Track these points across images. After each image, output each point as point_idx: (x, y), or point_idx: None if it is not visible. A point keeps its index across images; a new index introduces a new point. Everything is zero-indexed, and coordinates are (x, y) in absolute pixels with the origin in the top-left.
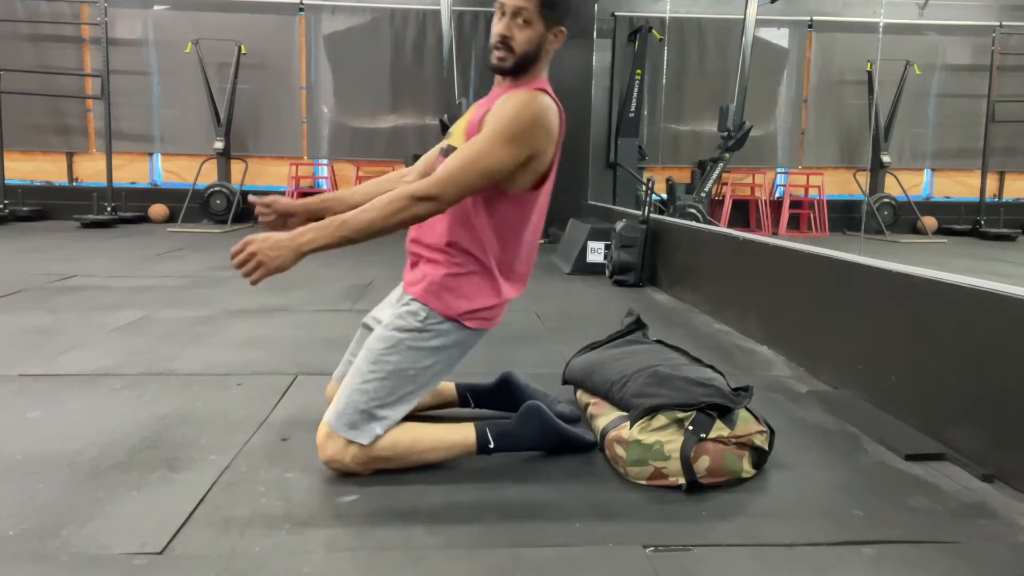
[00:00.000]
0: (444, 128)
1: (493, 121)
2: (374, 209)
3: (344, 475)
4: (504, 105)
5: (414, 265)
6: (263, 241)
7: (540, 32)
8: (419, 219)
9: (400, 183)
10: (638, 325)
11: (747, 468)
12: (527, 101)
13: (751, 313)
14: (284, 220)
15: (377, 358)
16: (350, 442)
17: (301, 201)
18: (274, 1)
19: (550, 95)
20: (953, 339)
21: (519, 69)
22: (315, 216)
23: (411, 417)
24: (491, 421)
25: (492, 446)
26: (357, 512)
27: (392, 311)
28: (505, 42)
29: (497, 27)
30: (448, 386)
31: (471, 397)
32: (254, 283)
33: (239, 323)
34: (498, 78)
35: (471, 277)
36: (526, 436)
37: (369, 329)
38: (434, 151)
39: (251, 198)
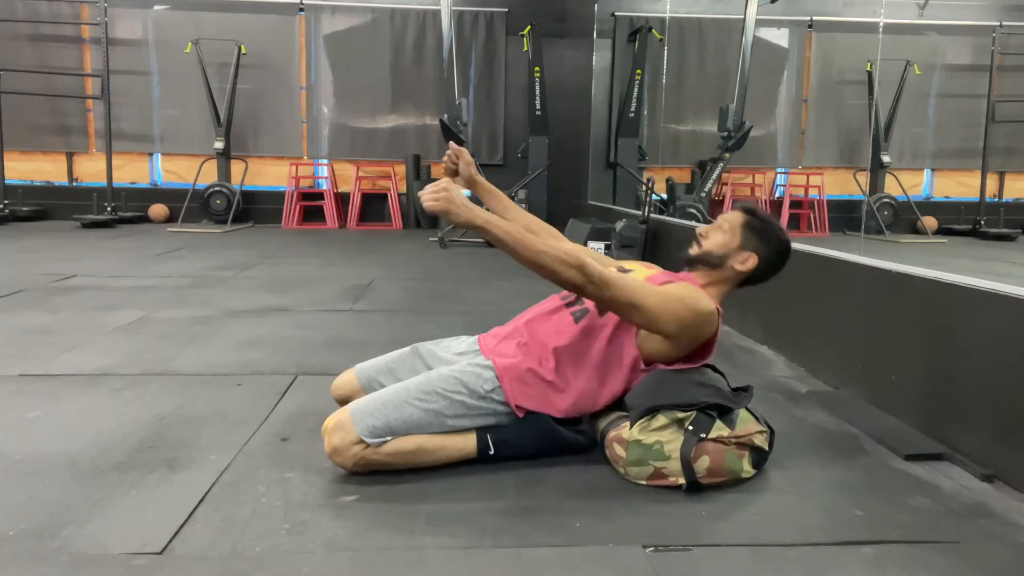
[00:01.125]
0: (444, 128)
1: (687, 303)
2: (544, 245)
3: (343, 474)
4: (693, 296)
5: (515, 342)
6: (457, 190)
7: (734, 248)
8: (562, 281)
9: (558, 240)
10: None
11: (747, 468)
12: (710, 310)
13: (751, 313)
14: (456, 174)
15: (432, 391)
16: (359, 440)
17: (479, 177)
18: (274, 1)
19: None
20: (953, 339)
21: (706, 265)
22: (480, 192)
23: None
24: (491, 427)
25: (492, 452)
26: (357, 512)
27: (466, 359)
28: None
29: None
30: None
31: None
32: (428, 209)
33: (239, 323)
34: (692, 268)
35: (545, 385)
36: (526, 442)
37: (420, 358)
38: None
39: (452, 145)
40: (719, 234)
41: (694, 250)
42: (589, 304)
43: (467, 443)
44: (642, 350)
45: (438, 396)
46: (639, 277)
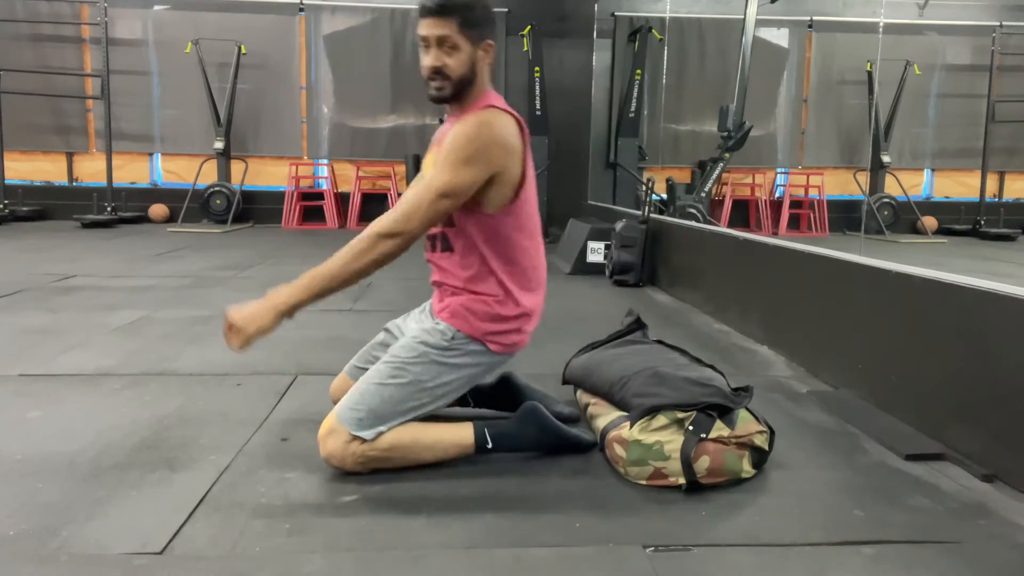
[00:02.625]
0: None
1: (447, 149)
2: (343, 254)
3: (343, 474)
4: (456, 131)
5: (441, 299)
6: (240, 310)
7: (469, 53)
8: (389, 256)
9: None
10: (638, 325)
11: (747, 468)
12: (478, 123)
13: (751, 313)
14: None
15: (401, 364)
16: (352, 438)
17: (266, 315)
18: (274, 1)
19: (503, 109)
20: (953, 339)
21: (459, 94)
22: (294, 313)
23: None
24: (489, 421)
25: (490, 446)
26: (357, 512)
27: (419, 325)
28: (439, 72)
29: (426, 60)
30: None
31: (470, 397)
32: (239, 350)
33: None
34: (448, 107)
35: (492, 300)
36: (524, 436)
37: (391, 334)
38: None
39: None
40: (452, 57)
41: (445, 89)
42: (441, 231)
43: (464, 436)
44: (492, 205)
45: (407, 366)
46: (427, 167)
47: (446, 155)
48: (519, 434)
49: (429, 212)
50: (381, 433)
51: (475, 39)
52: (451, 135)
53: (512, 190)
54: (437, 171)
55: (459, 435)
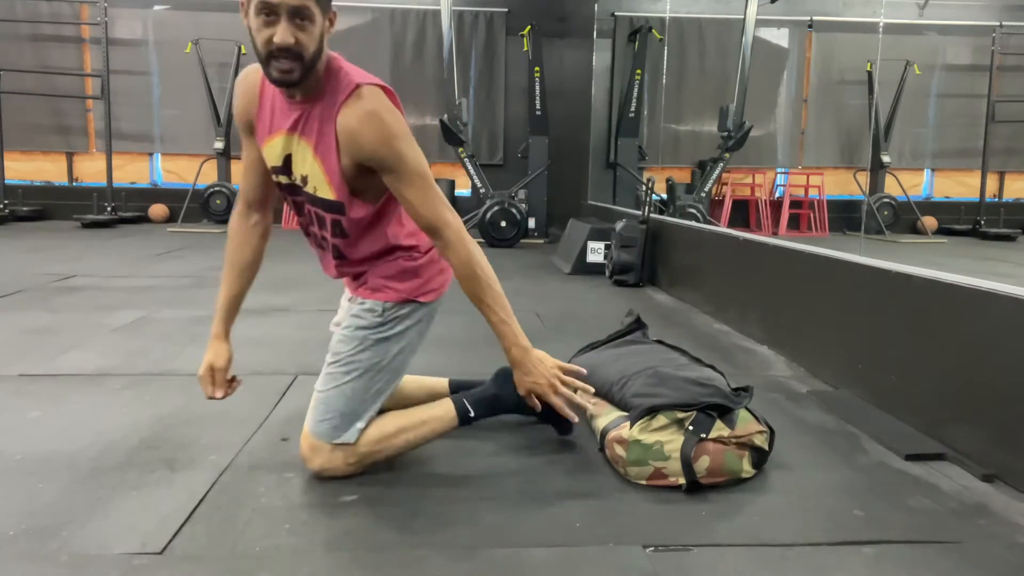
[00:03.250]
0: (444, 128)
1: (388, 149)
2: (486, 278)
3: (343, 476)
4: (375, 131)
5: (353, 281)
6: (538, 377)
7: (321, 26)
8: (475, 245)
9: (246, 226)
10: (638, 325)
11: (747, 468)
12: (381, 120)
13: (751, 313)
14: (223, 371)
15: (348, 359)
16: (336, 447)
17: (214, 346)
18: None
19: (370, 83)
20: (953, 339)
21: (309, 74)
22: (229, 332)
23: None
24: (467, 392)
25: (472, 415)
26: (357, 512)
27: (349, 313)
28: (290, 51)
29: (274, 35)
30: (441, 383)
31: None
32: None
33: (239, 323)
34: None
35: (401, 259)
36: (502, 398)
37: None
38: (251, 175)
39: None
40: (306, 32)
41: (295, 71)
42: (332, 219)
43: (447, 411)
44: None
45: (354, 358)
46: (305, 163)
47: (393, 160)
48: (497, 395)
49: (442, 196)
50: (362, 430)
51: (325, 8)
52: (373, 146)
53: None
54: (405, 174)
55: (441, 411)
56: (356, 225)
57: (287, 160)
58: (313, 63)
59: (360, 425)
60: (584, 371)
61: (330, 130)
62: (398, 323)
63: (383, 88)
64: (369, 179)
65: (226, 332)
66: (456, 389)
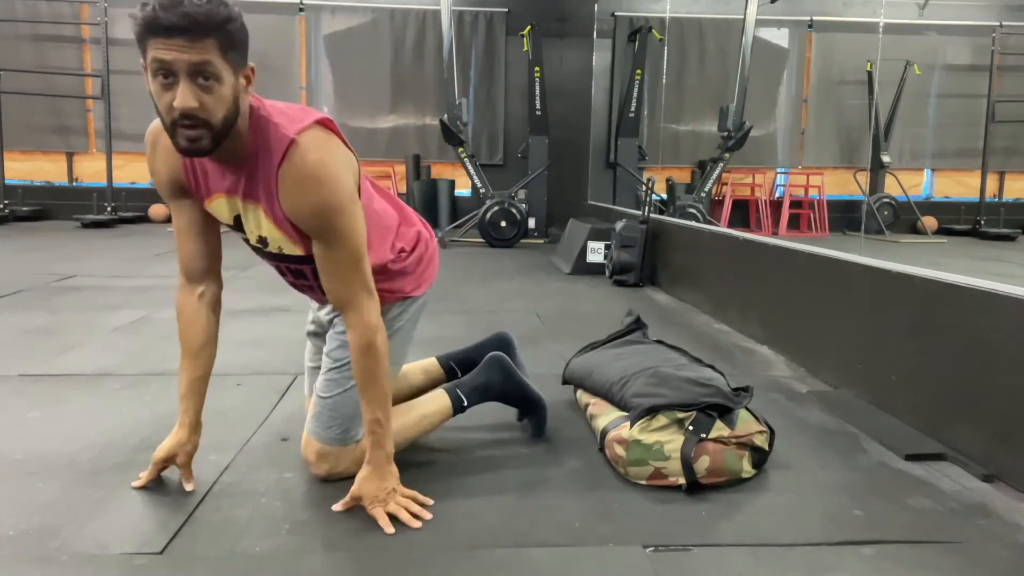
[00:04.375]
0: (444, 128)
1: (323, 226)
2: (372, 382)
3: (345, 478)
4: (311, 205)
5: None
6: (370, 491)
7: (232, 84)
8: (384, 336)
9: (192, 302)
10: (638, 325)
11: (747, 468)
12: (320, 183)
13: (751, 313)
14: (181, 468)
15: (347, 363)
16: (344, 450)
17: (180, 436)
18: (274, 1)
19: (305, 127)
20: (953, 339)
21: (221, 144)
22: (198, 420)
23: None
24: (458, 382)
25: (466, 404)
26: (357, 512)
27: (334, 318)
28: (195, 116)
29: (173, 98)
30: (431, 361)
31: (456, 367)
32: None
33: (239, 323)
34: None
35: (389, 265)
36: (490, 386)
37: (318, 336)
38: (186, 242)
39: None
40: (212, 93)
41: (204, 139)
42: (308, 255)
43: (442, 403)
44: None
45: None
46: (271, 234)
47: (328, 230)
48: (486, 383)
49: (368, 274)
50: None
51: (237, 65)
52: (309, 212)
53: (359, 187)
54: (336, 246)
55: (437, 404)
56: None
57: (237, 220)
58: (225, 129)
59: (362, 428)
60: (428, 513)
61: (274, 188)
62: (395, 321)
63: (319, 122)
64: None
65: (195, 422)
66: (445, 363)
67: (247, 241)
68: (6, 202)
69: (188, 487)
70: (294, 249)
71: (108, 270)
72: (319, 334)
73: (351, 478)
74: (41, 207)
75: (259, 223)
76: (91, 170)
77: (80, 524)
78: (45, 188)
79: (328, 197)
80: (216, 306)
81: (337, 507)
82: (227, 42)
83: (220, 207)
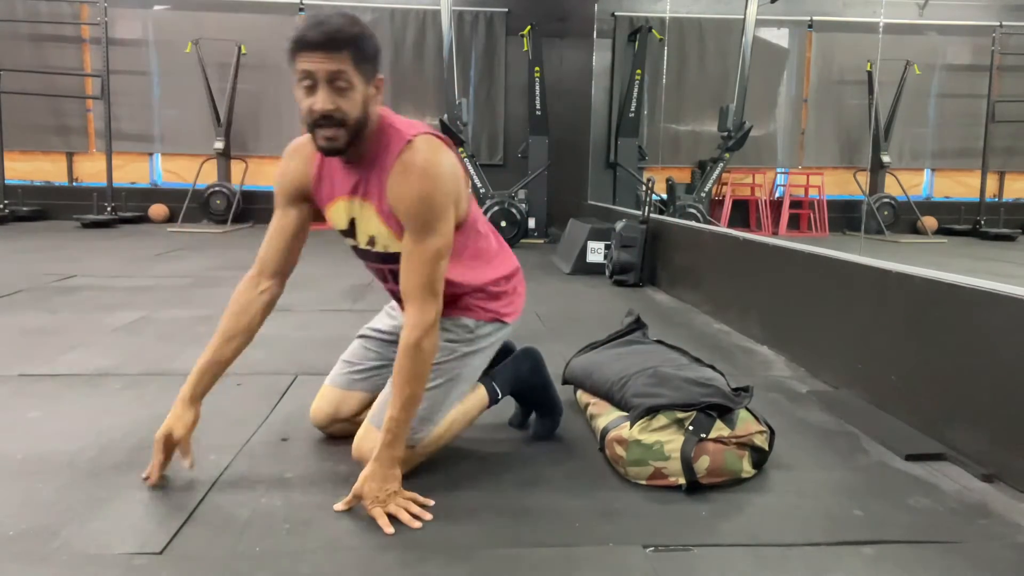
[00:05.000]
0: (444, 128)
1: (415, 214)
2: (408, 383)
3: (343, 475)
4: (411, 194)
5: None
6: (371, 491)
7: (363, 91)
8: (436, 341)
9: (252, 293)
10: (638, 325)
11: (747, 468)
12: (426, 175)
13: (751, 313)
14: (180, 443)
15: (434, 367)
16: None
17: (177, 410)
18: (274, 1)
19: (423, 133)
20: (953, 339)
21: (353, 145)
22: (201, 397)
23: None
24: (491, 374)
25: (500, 396)
26: (357, 512)
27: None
28: (331, 117)
29: (313, 102)
30: None
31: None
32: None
33: None
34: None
35: (490, 285)
36: (520, 376)
37: (370, 339)
38: (277, 241)
39: (150, 476)
40: (347, 98)
41: (340, 139)
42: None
43: (481, 396)
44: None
45: (441, 367)
46: (370, 224)
47: (419, 221)
48: (515, 375)
49: (440, 279)
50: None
51: (369, 75)
52: (408, 199)
53: (466, 205)
54: (421, 239)
55: (477, 398)
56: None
57: (351, 224)
58: (357, 129)
59: (433, 428)
60: (428, 514)
61: (385, 187)
62: (484, 339)
63: (435, 135)
64: None
65: (197, 396)
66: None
67: (355, 248)
68: (6, 202)
69: (185, 463)
70: (399, 247)
71: (108, 270)
72: (373, 338)
73: (353, 474)
74: (41, 207)
75: (369, 222)
76: (91, 170)
77: (80, 524)
78: (45, 188)
79: (429, 190)
80: (269, 306)
81: (339, 506)
82: (359, 55)
83: (339, 211)
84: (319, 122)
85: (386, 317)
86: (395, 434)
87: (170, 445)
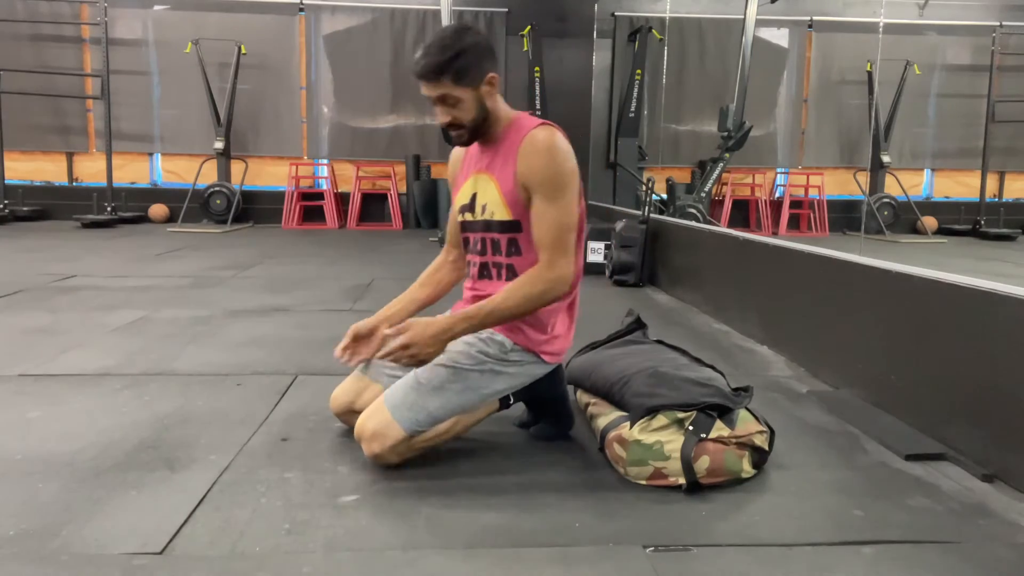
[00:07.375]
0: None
1: (549, 185)
2: (514, 298)
3: (343, 475)
4: (539, 165)
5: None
6: (419, 334)
7: (474, 96)
8: (555, 300)
9: (445, 260)
10: (638, 325)
11: (747, 468)
12: (551, 149)
13: (751, 313)
14: (367, 339)
15: (459, 369)
16: (402, 439)
17: (378, 317)
18: (274, 1)
19: (544, 123)
20: (953, 339)
21: (481, 134)
22: (394, 320)
23: None
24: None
25: (512, 401)
26: (357, 512)
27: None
28: (452, 126)
29: (439, 118)
30: None
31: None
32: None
33: (239, 323)
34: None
35: (533, 322)
36: (537, 385)
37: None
38: (452, 221)
39: (338, 351)
40: (459, 109)
41: (464, 136)
42: (510, 237)
43: (490, 401)
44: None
45: (467, 372)
46: (492, 200)
47: (549, 186)
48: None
49: (570, 244)
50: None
51: (475, 82)
52: (538, 167)
53: (581, 202)
54: (552, 200)
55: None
56: (531, 242)
57: (473, 197)
58: (477, 125)
59: (437, 426)
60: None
61: (512, 160)
62: (515, 365)
63: (555, 127)
64: None
65: (383, 318)
66: None
67: (463, 222)
68: (6, 202)
69: (347, 356)
70: (504, 214)
71: (108, 270)
72: None
73: (353, 474)
74: (41, 207)
75: (486, 190)
76: (91, 170)
77: (80, 524)
78: (45, 188)
79: (559, 165)
80: (456, 270)
81: (388, 339)
82: (457, 75)
83: (466, 188)
84: (445, 128)
85: None
86: (468, 315)
87: (363, 342)
